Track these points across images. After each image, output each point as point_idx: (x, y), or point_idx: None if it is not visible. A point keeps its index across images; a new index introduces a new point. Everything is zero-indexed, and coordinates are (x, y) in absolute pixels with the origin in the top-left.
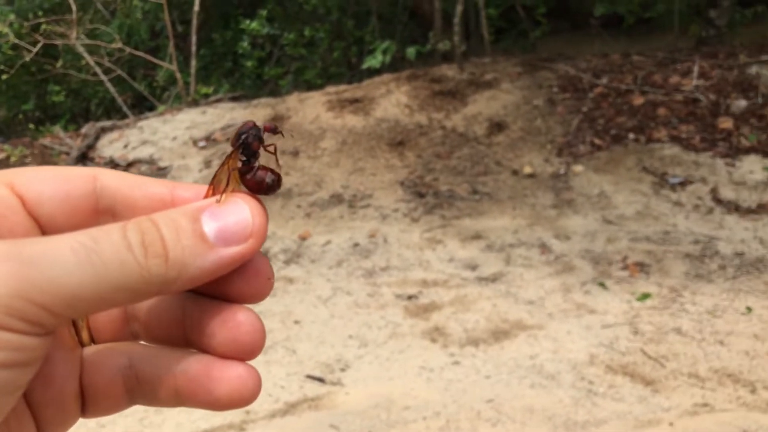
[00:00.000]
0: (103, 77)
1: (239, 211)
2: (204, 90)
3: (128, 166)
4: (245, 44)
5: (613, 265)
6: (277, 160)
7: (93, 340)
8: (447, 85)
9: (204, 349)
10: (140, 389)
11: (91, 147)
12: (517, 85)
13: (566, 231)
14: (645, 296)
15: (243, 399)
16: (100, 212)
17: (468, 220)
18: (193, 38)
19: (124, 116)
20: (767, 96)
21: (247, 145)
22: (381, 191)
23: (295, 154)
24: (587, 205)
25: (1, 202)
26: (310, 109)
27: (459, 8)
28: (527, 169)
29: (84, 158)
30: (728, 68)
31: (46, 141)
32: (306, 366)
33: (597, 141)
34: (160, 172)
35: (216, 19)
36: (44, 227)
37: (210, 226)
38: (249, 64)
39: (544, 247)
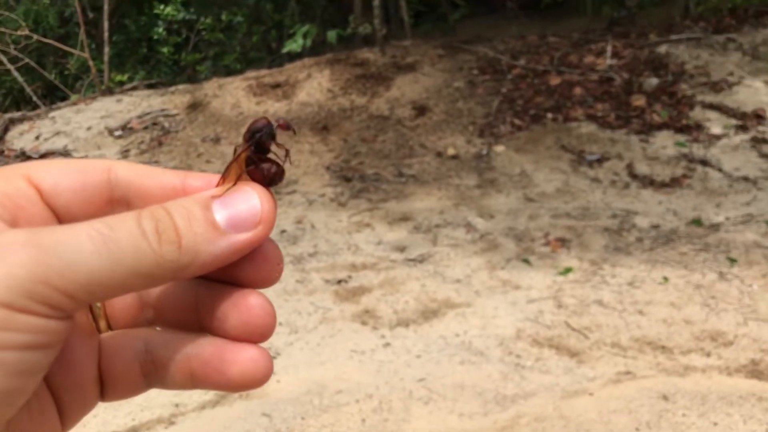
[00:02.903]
0: (10, 66)
1: (248, 198)
2: (118, 78)
3: (41, 157)
4: (160, 30)
5: (535, 241)
6: (286, 156)
7: (110, 327)
8: (369, 68)
9: (217, 333)
10: (156, 373)
11: (0, 139)
12: (438, 67)
13: (490, 210)
14: (567, 270)
15: (255, 379)
16: (115, 202)
17: (395, 202)
18: (105, 24)
19: (36, 107)
20: (677, 74)
21: (260, 143)
22: (306, 177)
23: (216, 140)
24: (509, 184)
25: (20, 194)
26: (229, 94)
27: None
28: (450, 151)
29: None
30: (639, 48)
31: None
32: None
33: (517, 121)
34: None
35: (129, 5)
36: (61, 217)
37: (221, 214)
38: (165, 50)
39: (469, 227)
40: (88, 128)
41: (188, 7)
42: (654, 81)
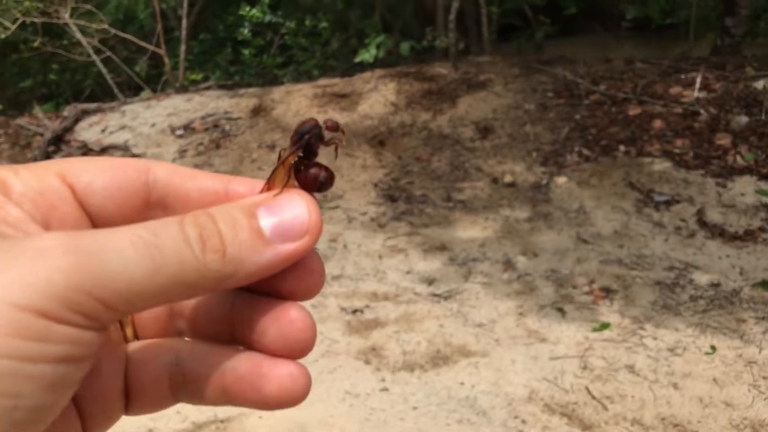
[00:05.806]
0: (95, 57)
1: (295, 206)
2: (193, 76)
3: (101, 151)
4: (245, 31)
5: (577, 288)
6: (336, 150)
7: (137, 337)
8: (438, 84)
9: (253, 347)
10: (186, 387)
11: (68, 129)
12: (511, 87)
13: (535, 247)
14: (604, 326)
15: (293, 398)
16: (152, 205)
17: (436, 228)
18: (184, 22)
19: (116, 99)
20: None
21: (308, 146)
22: (353, 192)
23: (272, 147)
24: (564, 220)
25: (53, 193)
26: (295, 101)
27: (455, 4)
28: (508, 178)
29: (59, 140)
30: (734, 81)
31: (23, 121)
32: None
33: (585, 151)
34: None
35: (217, 4)
36: (94, 218)
37: (266, 222)
38: (246, 52)
39: (508, 264)
40: (153, 125)
41: (275, 10)
42: (744, 119)
